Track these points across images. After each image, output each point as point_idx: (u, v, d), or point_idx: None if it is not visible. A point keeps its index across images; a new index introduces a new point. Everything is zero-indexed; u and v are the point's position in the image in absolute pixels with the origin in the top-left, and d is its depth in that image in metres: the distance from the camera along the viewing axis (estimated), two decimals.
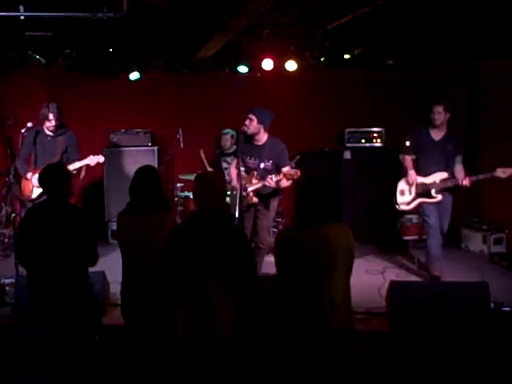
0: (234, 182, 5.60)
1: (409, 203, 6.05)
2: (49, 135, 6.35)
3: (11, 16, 4.81)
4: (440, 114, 5.74)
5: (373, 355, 4.18)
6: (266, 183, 5.33)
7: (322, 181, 3.42)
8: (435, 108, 5.76)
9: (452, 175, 5.79)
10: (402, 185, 6.15)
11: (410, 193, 6.02)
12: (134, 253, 3.62)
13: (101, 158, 6.52)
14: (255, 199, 5.47)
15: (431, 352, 4.24)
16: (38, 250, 3.58)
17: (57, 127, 6.34)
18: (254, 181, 5.48)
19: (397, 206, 6.20)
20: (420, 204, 5.96)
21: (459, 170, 5.76)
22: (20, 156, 6.25)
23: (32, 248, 3.62)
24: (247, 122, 5.39)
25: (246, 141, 5.52)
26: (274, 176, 5.28)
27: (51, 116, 6.22)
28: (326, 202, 3.24)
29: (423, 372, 4.07)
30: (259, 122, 5.38)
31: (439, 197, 5.82)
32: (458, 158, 5.80)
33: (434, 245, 5.89)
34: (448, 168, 5.81)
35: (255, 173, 5.48)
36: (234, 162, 5.79)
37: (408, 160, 6.08)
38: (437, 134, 5.87)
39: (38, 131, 6.28)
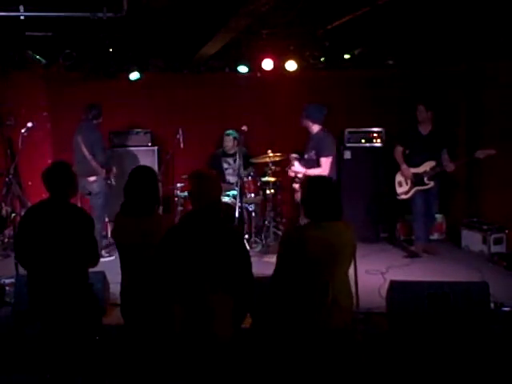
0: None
1: (407, 192, 6.80)
2: None
3: (11, 16, 4.81)
4: (422, 112, 6.65)
5: (373, 355, 4.18)
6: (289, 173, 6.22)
7: (330, 179, 3.56)
8: (418, 107, 6.69)
9: (439, 163, 6.61)
10: (398, 177, 6.91)
11: (407, 183, 6.80)
12: (132, 254, 3.60)
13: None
14: (295, 185, 6.13)
15: (431, 352, 4.24)
16: (38, 250, 3.58)
17: None
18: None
19: (398, 197, 6.93)
20: (416, 192, 6.69)
21: (445, 158, 6.64)
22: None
23: (32, 248, 3.61)
24: (301, 117, 6.10)
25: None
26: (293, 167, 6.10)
27: None
28: (334, 201, 3.28)
29: (423, 372, 4.07)
30: (306, 117, 6.08)
31: (431, 183, 6.64)
32: (444, 150, 6.69)
33: (417, 227, 6.83)
34: (435, 158, 6.64)
35: (303, 163, 6.13)
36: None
37: (399, 152, 6.87)
38: (424, 129, 6.73)
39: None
